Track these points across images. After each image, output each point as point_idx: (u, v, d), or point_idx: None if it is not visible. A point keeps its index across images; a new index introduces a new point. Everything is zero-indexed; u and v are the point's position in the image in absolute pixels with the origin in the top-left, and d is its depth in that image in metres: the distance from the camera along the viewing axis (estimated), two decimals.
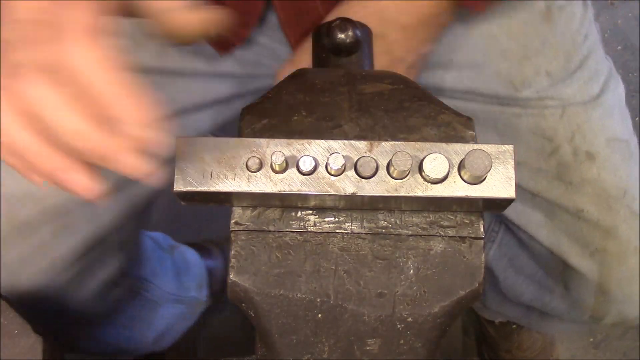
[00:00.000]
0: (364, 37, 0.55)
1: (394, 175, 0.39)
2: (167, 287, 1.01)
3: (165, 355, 1.19)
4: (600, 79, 0.75)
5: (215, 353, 1.29)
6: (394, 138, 0.43)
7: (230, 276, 0.42)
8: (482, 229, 0.43)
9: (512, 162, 0.39)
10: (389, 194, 0.40)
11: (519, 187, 0.41)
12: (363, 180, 0.41)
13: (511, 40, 0.73)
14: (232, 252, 0.42)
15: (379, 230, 0.42)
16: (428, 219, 0.43)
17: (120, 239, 0.74)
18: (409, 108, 0.45)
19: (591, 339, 1.37)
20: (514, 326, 1.25)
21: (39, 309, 0.71)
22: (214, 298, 1.24)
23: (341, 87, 0.46)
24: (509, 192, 0.39)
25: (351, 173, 0.41)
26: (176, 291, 1.06)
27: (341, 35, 0.53)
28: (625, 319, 0.79)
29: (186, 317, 1.14)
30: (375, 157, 0.39)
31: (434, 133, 0.44)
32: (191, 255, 1.17)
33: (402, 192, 0.39)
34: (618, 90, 0.78)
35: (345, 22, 0.54)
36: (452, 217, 0.43)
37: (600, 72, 0.76)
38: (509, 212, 0.76)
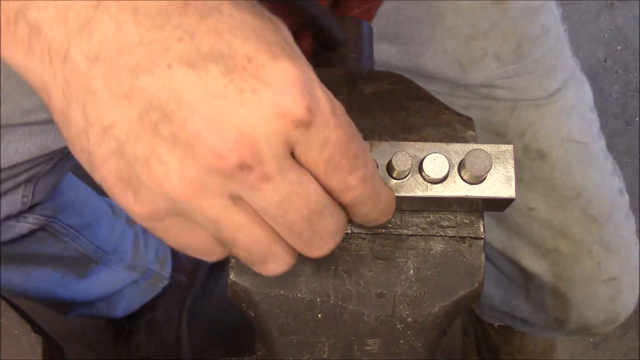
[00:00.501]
0: (362, 34, 0.55)
1: (393, 175, 0.39)
2: (107, 247, 1.02)
3: (143, 337, 1.21)
4: (559, 77, 0.74)
5: (201, 336, 1.30)
6: (395, 138, 0.43)
7: (230, 276, 0.42)
8: (482, 229, 0.43)
9: (512, 162, 0.39)
10: None
11: None
12: None
13: (458, 18, 0.71)
14: None
15: (379, 230, 0.43)
16: (428, 219, 0.43)
17: (29, 175, 0.73)
18: (409, 108, 0.45)
19: (591, 339, 1.37)
20: (516, 329, 1.25)
21: None
22: (189, 278, 1.25)
23: (341, 87, 0.46)
24: (509, 192, 0.39)
25: None
26: (130, 258, 1.08)
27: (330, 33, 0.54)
28: (588, 324, 0.78)
29: (142, 289, 1.15)
30: (375, 158, 0.39)
31: (435, 133, 0.44)
32: None
33: (402, 192, 0.39)
34: (581, 93, 0.76)
35: (331, 19, 0.54)
36: (452, 217, 0.43)
37: (560, 70, 0.74)
38: None
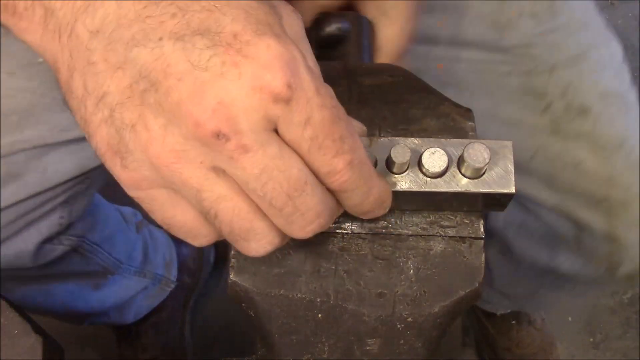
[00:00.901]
0: (354, 30, 0.56)
1: (393, 170, 0.39)
2: (122, 257, 1.03)
3: (149, 338, 1.22)
4: (590, 32, 0.76)
5: (202, 338, 1.31)
6: (394, 129, 0.43)
7: (230, 276, 0.42)
8: (482, 229, 0.43)
9: (512, 157, 0.39)
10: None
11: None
12: None
13: None
14: (232, 251, 0.42)
15: (379, 230, 0.42)
16: (428, 219, 0.43)
17: (66, 196, 0.74)
18: (409, 100, 0.45)
19: (591, 339, 1.37)
20: (513, 322, 1.26)
21: None
22: (193, 279, 1.26)
23: (341, 80, 0.46)
24: (509, 187, 0.39)
25: None
26: (140, 265, 1.09)
27: (328, 29, 0.54)
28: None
29: (152, 294, 1.16)
30: (374, 153, 0.39)
31: (434, 124, 0.44)
32: (160, 234, 1.19)
33: (402, 187, 0.39)
34: (612, 44, 0.78)
35: (329, 16, 0.55)
36: (452, 217, 0.43)
37: (590, 26, 0.76)
38: None
